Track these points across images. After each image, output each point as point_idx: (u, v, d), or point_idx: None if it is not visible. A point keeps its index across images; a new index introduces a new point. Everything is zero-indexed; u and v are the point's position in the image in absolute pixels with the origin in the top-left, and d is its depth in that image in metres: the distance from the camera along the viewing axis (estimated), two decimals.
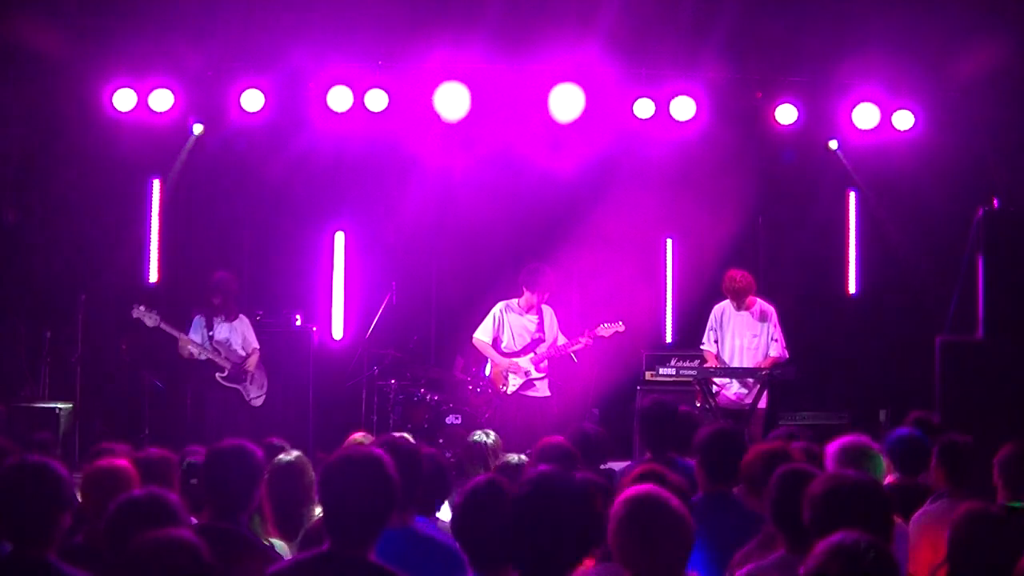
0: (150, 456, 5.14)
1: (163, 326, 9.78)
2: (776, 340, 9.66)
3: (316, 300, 12.11)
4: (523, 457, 5.56)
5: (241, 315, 10.23)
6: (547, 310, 9.93)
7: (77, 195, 11.29)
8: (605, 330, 9.86)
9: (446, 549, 4.22)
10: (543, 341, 9.83)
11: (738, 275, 9.75)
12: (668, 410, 6.24)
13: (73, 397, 10.62)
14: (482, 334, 9.88)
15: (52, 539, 3.76)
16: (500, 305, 9.92)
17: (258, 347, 10.19)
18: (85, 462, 5.55)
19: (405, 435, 5.32)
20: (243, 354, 10.07)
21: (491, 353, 9.88)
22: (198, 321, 9.95)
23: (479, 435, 6.30)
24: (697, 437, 5.25)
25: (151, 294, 10.78)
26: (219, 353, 9.91)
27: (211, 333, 9.92)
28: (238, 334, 10.10)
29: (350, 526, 3.55)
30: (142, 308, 9.74)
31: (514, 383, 9.80)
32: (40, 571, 3.68)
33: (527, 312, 9.86)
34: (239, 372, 10.01)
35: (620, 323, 9.90)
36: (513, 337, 9.85)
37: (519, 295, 9.91)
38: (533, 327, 9.86)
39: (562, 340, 9.94)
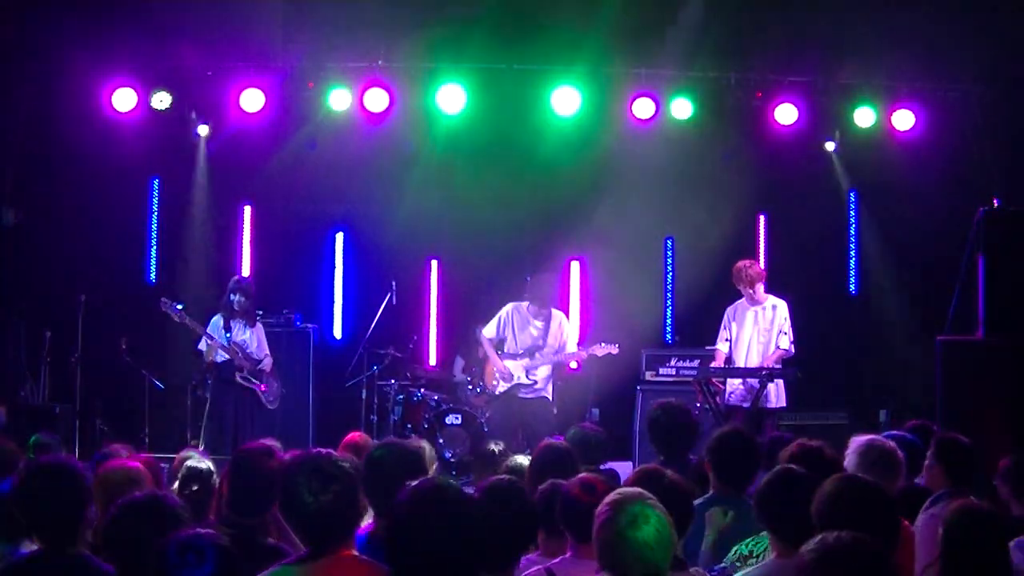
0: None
1: (187, 322, 9.76)
2: (785, 333, 9.62)
3: (316, 300, 12.12)
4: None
5: (259, 323, 10.23)
6: (557, 317, 9.91)
7: (77, 195, 11.29)
8: (600, 350, 9.97)
9: None
10: (542, 348, 9.82)
11: (747, 263, 9.76)
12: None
13: (73, 397, 10.62)
14: (487, 331, 9.93)
15: (80, 535, 3.84)
16: (509, 306, 9.93)
17: (269, 355, 10.18)
18: (86, 462, 5.56)
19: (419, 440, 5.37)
20: (257, 358, 10.05)
21: (489, 350, 9.92)
22: (216, 320, 9.92)
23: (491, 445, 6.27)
24: (708, 439, 5.27)
25: (149, 303, 10.72)
26: (237, 353, 9.87)
27: (228, 334, 9.90)
28: (255, 339, 10.06)
29: (314, 531, 3.57)
30: (168, 302, 9.74)
31: (504, 384, 9.83)
32: (74, 567, 3.74)
33: (535, 317, 9.87)
34: (256, 372, 9.99)
35: (616, 346, 10.03)
36: (515, 339, 9.86)
37: (526, 300, 9.93)
38: (537, 333, 9.84)
39: (571, 349, 9.95)
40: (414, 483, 3.34)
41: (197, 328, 9.79)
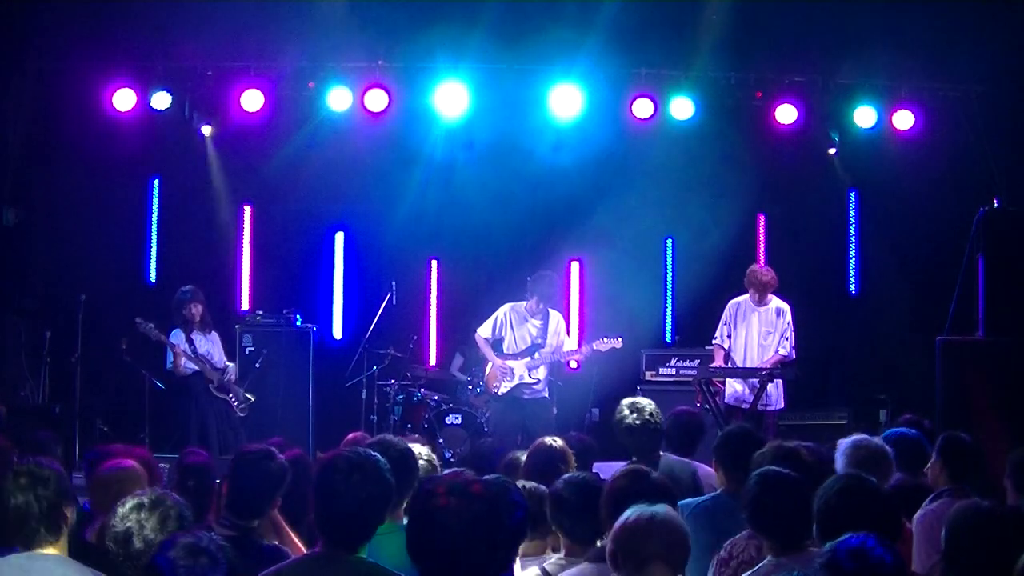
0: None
1: (164, 340, 9.87)
2: (787, 338, 9.66)
3: (316, 300, 12.12)
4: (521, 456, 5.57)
5: (213, 330, 10.28)
6: (554, 316, 9.86)
7: (77, 195, 11.30)
8: (603, 344, 9.84)
9: None
10: (542, 347, 9.79)
11: (764, 268, 9.82)
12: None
13: (73, 397, 10.62)
14: (484, 331, 9.87)
15: (59, 538, 3.77)
16: (507, 306, 9.88)
17: (231, 363, 10.27)
18: (85, 463, 5.57)
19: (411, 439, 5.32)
20: (221, 366, 10.13)
21: (487, 351, 9.87)
22: (177, 334, 9.95)
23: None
24: (716, 439, 5.30)
25: (149, 303, 10.75)
26: (205, 365, 9.97)
27: (193, 347, 9.94)
28: (216, 347, 10.18)
29: (343, 526, 3.55)
30: (150, 326, 9.80)
31: (506, 385, 9.78)
32: (53, 567, 3.68)
33: (533, 316, 9.82)
34: (224, 383, 10.08)
35: (619, 339, 9.88)
36: (515, 340, 9.81)
37: (528, 298, 9.88)
38: (536, 332, 9.81)
39: (569, 347, 9.90)
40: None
41: (172, 346, 9.83)
